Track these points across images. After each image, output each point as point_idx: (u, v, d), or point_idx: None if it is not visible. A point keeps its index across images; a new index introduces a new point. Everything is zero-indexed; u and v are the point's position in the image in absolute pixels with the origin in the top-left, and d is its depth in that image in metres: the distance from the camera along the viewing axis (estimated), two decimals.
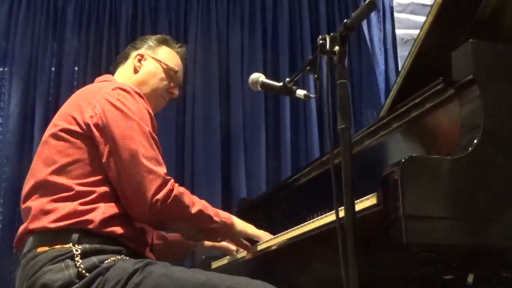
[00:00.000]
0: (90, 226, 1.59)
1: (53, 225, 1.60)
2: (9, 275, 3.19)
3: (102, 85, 1.84)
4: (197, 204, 1.73)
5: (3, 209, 3.37)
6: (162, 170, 1.67)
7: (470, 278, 1.46)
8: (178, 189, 1.68)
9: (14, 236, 3.19)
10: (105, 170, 1.67)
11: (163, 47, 2.06)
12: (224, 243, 2.05)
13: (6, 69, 3.59)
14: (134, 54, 2.03)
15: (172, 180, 1.68)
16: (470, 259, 1.41)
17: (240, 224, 1.88)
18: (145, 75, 1.99)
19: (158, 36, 2.11)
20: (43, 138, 1.81)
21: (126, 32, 3.59)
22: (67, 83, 3.52)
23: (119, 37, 3.59)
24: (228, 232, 1.84)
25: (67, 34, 3.60)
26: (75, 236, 1.58)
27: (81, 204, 1.62)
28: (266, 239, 1.86)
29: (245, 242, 1.91)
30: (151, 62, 2.01)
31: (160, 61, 2.01)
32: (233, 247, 2.04)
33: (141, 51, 2.03)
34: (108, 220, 1.62)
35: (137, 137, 1.67)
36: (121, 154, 1.65)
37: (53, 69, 3.59)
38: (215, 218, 1.77)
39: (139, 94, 1.78)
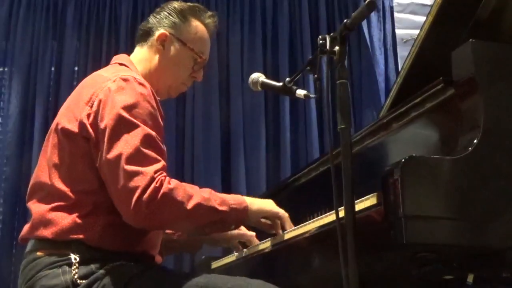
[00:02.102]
0: (91, 243, 1.54)
1: (51, 237, 1.55)
2: (9, 275, 3.19)
3: (105, 76, 1.67)
4: (194, 197, 1.54)
5: (3, 209, 3.38)
6: (150, 168, 1.49)
7: (470, 278, 1.46)
8: (168, 186, 1.50)
9: (14, 236, 3.26)
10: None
11: (190, 22, 1.83)
12: (233, 239, 1.97)
13: (6, 69, 3.60)
14: (157, 32, 1.81)
15: (160, 176, 1.50)
16: (470, 259, 1.41)
17: (256, 204, 1.71)
18: (167, 62, 1.80)
19: (185, 6, 1.86)
20: (50, 130, 1.69)
21: (126, 32, 3.60)
22: (67, 83, 3.53)
23: (119, 37, 3.59)
24: (243, 217, 1.67)
25: (67, 34, 3.61)
26: (74, 247, 1.54)
27: (80, 217, 1.54)
28: (283, 220, 1.73)
29: (267, 222, 1.74)
30: (176, 46, 1.80)
31: (185, 44, 1.81)
32: (251, 234, 1.94)
33: (166, 29, 1.81)
34: (108, 236, 1.55)
35: (126, 136, 1.52)
36: (107, 155, 1.51)
37: (53, 69, 3.60)
38: (221, 208, 1.59)
39: (141, 84, 1.62)
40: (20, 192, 3.30)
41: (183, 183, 1.57)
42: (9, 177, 3.38)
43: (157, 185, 1.48)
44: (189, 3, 1.91)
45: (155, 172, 1.50)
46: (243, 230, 1.98)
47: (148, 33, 1.84)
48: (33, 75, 3.54)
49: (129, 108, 1.55)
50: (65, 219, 1.54)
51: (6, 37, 3.60)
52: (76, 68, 3.62)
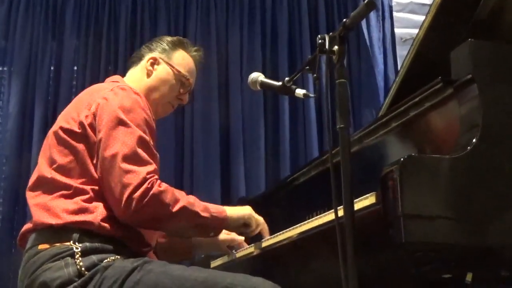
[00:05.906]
0: (91, 228, 1.61)
1: (54, 222, 1.61)
2: (7, 274, 3.19)
3: (103, 86, 1.85)
4: (181, 201, 1.67)
5: (2, 208, 3.37)
6: (143, 169, 1.62)
7: (469, 277, 1.46)
8: (158, 188, 1.62)
9: (13, 235, 3.26)
10: None
11: (178, 51, 2.03)
12: (223, 244, 2.04)
13: (5, 69, 3.58)
14: (147, 56, 2.00)
15: (152, 178, 1.62)
16: (469, 258, 1.41)
17: (236, 213, 1.84)
18: (156, 81, 1.96)
19: (175, 38, 2.08)
20: (48, 134, 1.82)
21: (125, 31, 3.59)
22: (66, 82, 3.52)
23: (118, 36, 3.58)
24: (222, 225, 1.80)
25: (66, 33, 3.59)
26: (76, 235, 1.60)
27: (82, 201, 1.64)
28: (263, 232, 1.89)
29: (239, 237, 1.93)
30: (164, 67, 1.98)
31: (173, 67, 1.98)
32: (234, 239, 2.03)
33: (155, 54, 2.00)
34: (108, 221, 1.63)
35: (122, 136, 1.65)
36: (104, 153, 1.64)
37: (52, 68, 3.58)
38: (203, 214, 1.71)
39: (137, 94, 1.77)
40: (20, 192, 3.29)
41: (172, 188, 1.68)
42: (8, 177, 3.37)
43: (148, 186, 1.60)
44: (178, 37, 2.12)
45: (148, 173, 1.62)
46: (232, 235, 2.03)
47: (139, 59, 2.03)
48: (32, 74, 3.53)
49: (126, 111, 1.70)
50: (68, 204, 1.63)
51: (5, 36, 3.59)
52: (75, 68, 3.61)
